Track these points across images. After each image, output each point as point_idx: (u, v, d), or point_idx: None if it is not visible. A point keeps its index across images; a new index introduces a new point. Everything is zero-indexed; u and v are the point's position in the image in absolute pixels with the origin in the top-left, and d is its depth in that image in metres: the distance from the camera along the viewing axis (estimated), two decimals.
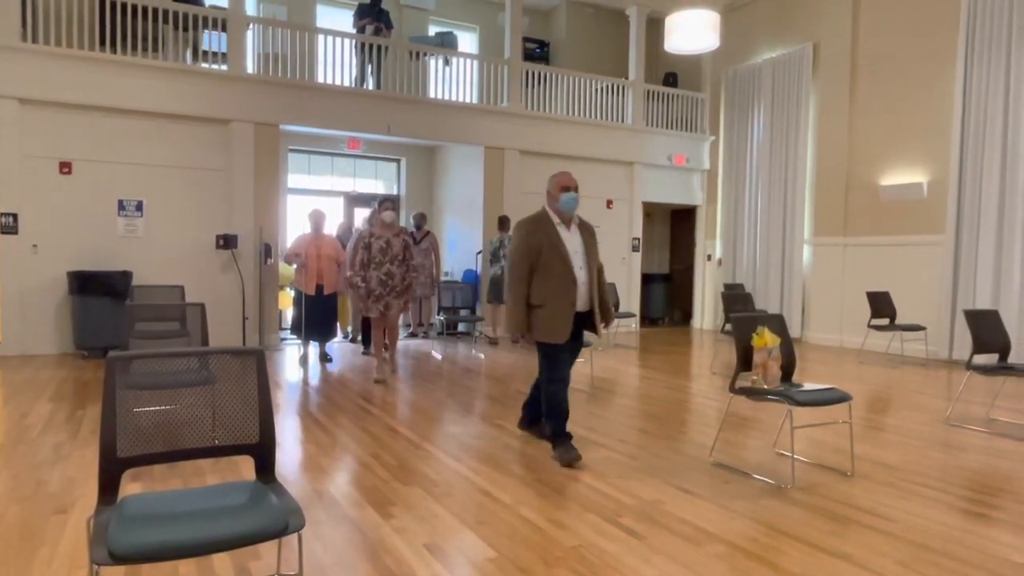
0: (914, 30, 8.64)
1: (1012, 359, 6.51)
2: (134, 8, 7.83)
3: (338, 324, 8.47)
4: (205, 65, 8.48)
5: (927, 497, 3.44)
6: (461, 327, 10.14)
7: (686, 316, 12.41)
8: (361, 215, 10.43)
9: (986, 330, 5.04)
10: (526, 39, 11.22)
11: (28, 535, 2.80)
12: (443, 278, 10.18)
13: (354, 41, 9.24)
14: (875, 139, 9.12)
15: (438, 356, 8.10)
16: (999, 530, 3.03)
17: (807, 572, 2.58)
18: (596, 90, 10.85)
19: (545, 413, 4.07)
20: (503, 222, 9.31)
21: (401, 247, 6.24)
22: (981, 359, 4.98)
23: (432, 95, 9.80)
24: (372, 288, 6.14)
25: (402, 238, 6.27)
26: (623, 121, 11.07)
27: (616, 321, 9.82)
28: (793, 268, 10.07)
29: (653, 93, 11.33)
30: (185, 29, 8.25)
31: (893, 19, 8.88)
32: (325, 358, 7.50)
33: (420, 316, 9.77)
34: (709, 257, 11.75)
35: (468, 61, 10.10)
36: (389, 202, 6.32)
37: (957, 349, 8.02)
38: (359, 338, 8.44)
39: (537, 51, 11.81)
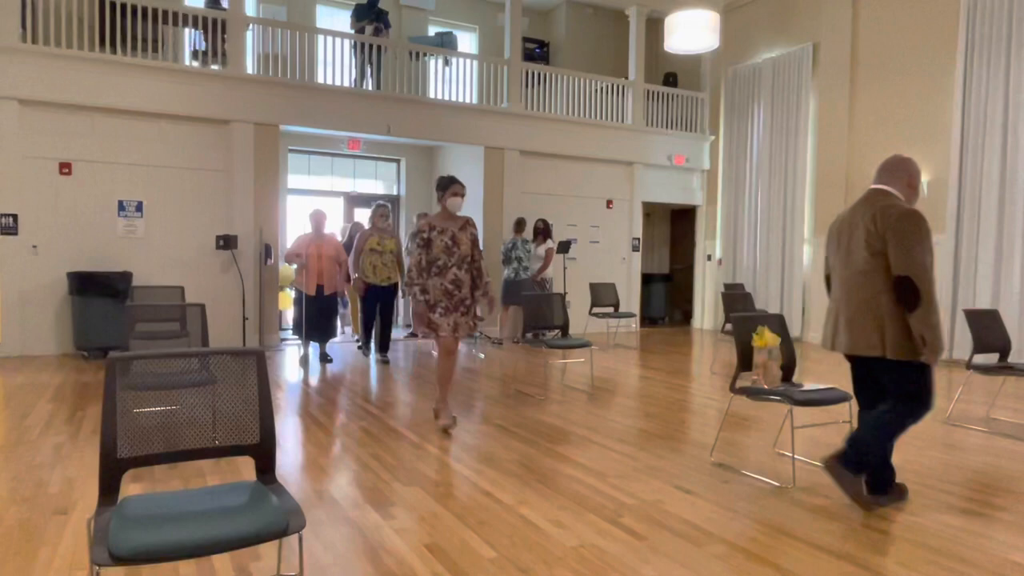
0: (914, 30, 8.64)
1: (1012, 359, 6.51)
2: (134, 9, 7.83)
3: (338, 324, 8.43)
4: (205, 66, 8.48)
5: (927, 497, 3.43)
6: None
7: (686, 316, 12.41)
8: (360, 215, 10.42)
9: (986, 330, 5.04)
10: (526, 39, 11.23)
11: (28, 536, 2.80)
12: None
13: (353, 41, 9.24)
14: (875, 139, 9.12)
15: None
16: (1000, 530, 3.02)
17: (808, 572, 2.58)
18: (596, 90, 10.85)
19: (878, 438, 3.17)
20: (520, 224, 9.31)
21: (470, 244, 4.67)
22: (981, 359, 4.99)
23: (432, 95, 9.80)
24: (435, 301, 4.59)
25: (470, 232, 4.70)
26: (623, 121, 11.07)
27: (616, 321, 9.85)
28: (793, 268, 10.07)
29: (653, 93, 11.33)
30: (185, 26, 8.26)
31: (893, 19, 8.88)
32: (325, 358, 7.50)
33: None
34: (709, 257, 11.75)
35: (468, 61, 10.10)
36: (458, 184, 4.72)
37: (957, 349, 8.02)
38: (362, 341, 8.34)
39: (537, 51, 11.81)
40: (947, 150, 8.26)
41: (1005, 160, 7.70)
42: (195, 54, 8.54)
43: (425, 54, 9.84)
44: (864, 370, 3.39)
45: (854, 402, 3.53)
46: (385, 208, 7.44)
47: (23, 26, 7.27)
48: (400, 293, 7.93)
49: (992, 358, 5.13)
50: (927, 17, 8.50)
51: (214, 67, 8.36)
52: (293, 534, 1.88)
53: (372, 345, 7.87)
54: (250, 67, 8.46)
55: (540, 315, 6.30)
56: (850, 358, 3.40)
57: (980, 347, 4.95)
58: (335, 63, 8.91)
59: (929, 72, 8.49)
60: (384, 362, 7.46)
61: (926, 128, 8.52)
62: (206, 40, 8.37)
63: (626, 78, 11.20)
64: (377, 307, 7.52)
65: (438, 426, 4.69)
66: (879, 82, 9.06)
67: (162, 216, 8.02)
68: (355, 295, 8.41)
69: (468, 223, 4.72)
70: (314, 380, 6.47)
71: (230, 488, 2.10)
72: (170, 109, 7.91)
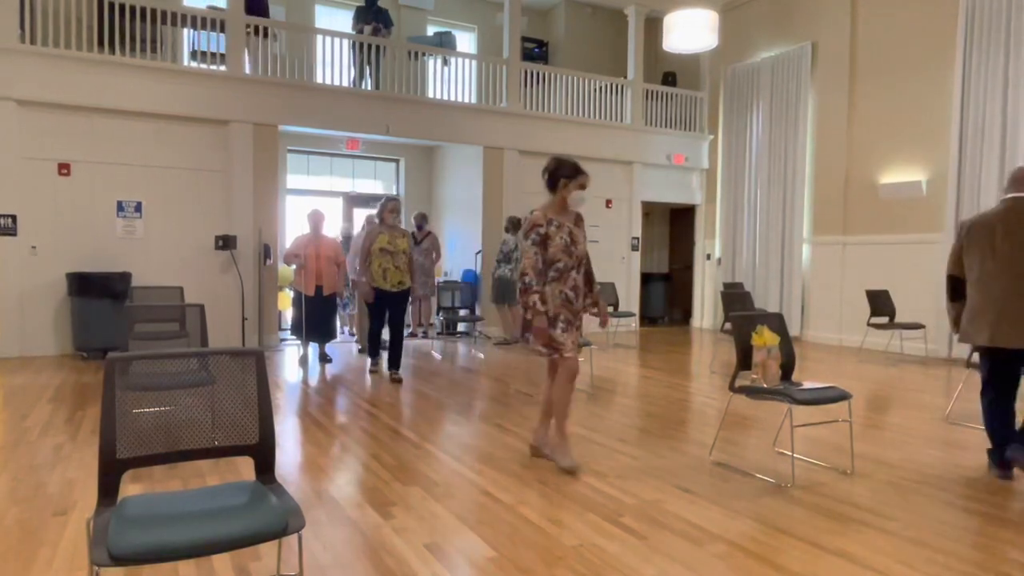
0: (913, 29, 8.65)
1: None
2: (133, 9, 7.82)
3: (337, 325, 8.41)
4: (204, 66, 8.48)
5: (927, 495, 3.44)
6: (461, 327, 10.14)
7: (685, 315, 12.41)
8: (360, 215, 10.40)
9: None
10: (525, 39, 11.22)
11: (28, 536, 2.80)
12: (442, 278, 10.17)
13: (352, 41, 9.23)
14: (874, 137, 9.12)
15: (438, 356, 8.10)
16: (999, 528, 3.03)
17: (808, 571, 2.58)
18: (595, 90, 10.84)
19: None
20: (517, 223, 9.29)
21: (584, 241, 3.98)
22: None
23: (431, 95, 9.79)
24: (554, 313, 3.81)
25: (584, 229, 4.03)
26: (622, 120, 11.07)
27: (615, 320, 9.83)
28: (792, 267, 10.07)
29: (652, 92, 11.33)
30: (184, 26, 8.25)
31: (892, 18, 8.88)
32: (325, 359, 7.50)
33: (420, 316, 9.77)
34: (708, 256, 11.75)
35: (467, 61, 10.10)
36: (586, 175, 4.02)
37: (956, 347, 8.02)
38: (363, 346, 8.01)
39: (536, 51, 11.81)
40: (946, 148, 8.26)
41: (1004, 158, 7.70)
42: (203, 55, 8.51)
43: (424, 54, 9.83)
44: None
45: (853, 401, 3.54)
46: (396, 202, 6.62)
47: (22, 27, 7.26)
48: (420, 297, 7.56)
49: None
50: (926, 16, 8.50)
51: (212, 67, 8.33)
52: (292, 534, 1.88)
53: (382, 362, 6.93)
54: (249, 67, 8.45)
55: None
56: (1013, 353, 3.69)
57: None
58: (334, 63, 8.90)
59: (928, 71, 8.49)
60: (397, 380, 6.42)
61: (925, 127, 8.53)
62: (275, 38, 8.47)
63: (625, 77, 11.19)
64: (386, 316, 6.61)
65: (559, 467, 3.79)
66: (878, 81, 9.06)
67: (161, 216, 8.02)
68: (360, 299, 7.61)
69: (580, 218, 4.00)
70: (313, 380, 6.47)
71: (229, 488, 2.10)
72: (169, 109, 7.90)
